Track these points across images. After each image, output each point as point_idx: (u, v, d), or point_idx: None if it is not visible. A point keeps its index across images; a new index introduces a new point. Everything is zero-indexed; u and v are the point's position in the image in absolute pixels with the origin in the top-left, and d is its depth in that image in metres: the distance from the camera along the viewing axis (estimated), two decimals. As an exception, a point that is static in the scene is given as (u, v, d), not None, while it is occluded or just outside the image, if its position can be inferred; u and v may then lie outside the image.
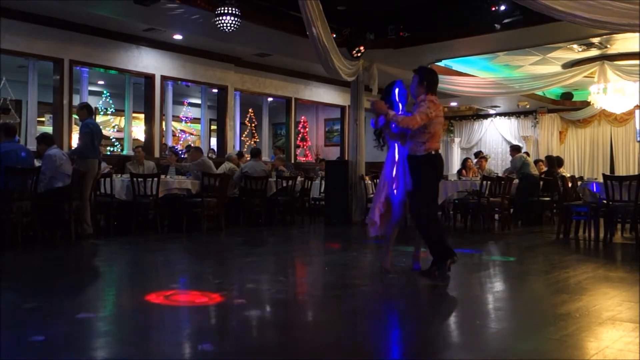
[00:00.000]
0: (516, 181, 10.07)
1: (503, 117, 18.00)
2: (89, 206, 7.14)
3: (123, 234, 7.64)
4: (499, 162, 17.09)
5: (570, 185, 8.25)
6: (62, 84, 9.50)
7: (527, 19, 8.71)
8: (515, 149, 11.05)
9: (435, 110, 4.55)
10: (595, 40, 10.33)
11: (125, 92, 11.04)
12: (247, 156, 10.86)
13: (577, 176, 11.77)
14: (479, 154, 12.97)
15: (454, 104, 16.96)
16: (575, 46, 10.94)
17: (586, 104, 14.50)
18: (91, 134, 7.22)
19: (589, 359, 2.69)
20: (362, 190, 10.40)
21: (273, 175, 9.98)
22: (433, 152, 4.61)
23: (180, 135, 15.82)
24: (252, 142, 15.35)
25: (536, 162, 12.41)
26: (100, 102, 13.72)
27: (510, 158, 11.36)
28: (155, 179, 7.84)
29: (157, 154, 10.70)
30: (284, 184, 9.81)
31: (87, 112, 7.46)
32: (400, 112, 4.74)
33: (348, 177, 10.01)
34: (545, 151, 15.85)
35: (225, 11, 8.26)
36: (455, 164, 17.68)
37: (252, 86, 12.62)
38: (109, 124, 14.62)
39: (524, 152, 11.40)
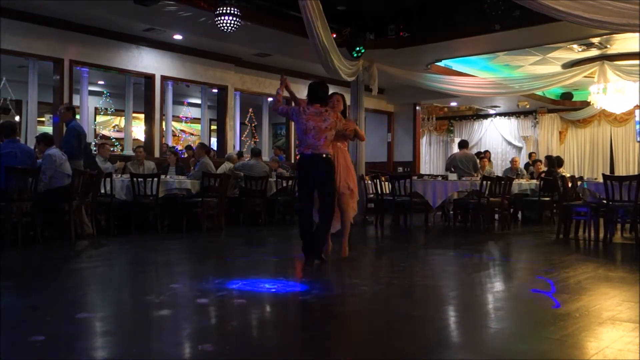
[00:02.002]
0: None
1: (503, 117, 18.00)
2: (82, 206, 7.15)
3: (123, 234, 7.64)
4: (498, 162, 17.11)
5: (570, 185, 8.25)
6: (62, 84, 9.50)
7: (527, 19, 8.71)
8: (462, 145, 10.71)
9: (298, 117, 5.23)
10: (595, 40, 10.33)
11: (125, 92, 11.04)
12: (247, 156, 10.85)
13: (577, 176, 11.78)
14: (480, 154, 12.98)
15: (454, 104, 16.97)
16: (575, 46, 10.94)
17: (586, 104, 14.50)
18: (78, 136, 7.32)
19: (589, 359, 2.69)
20: (362, 190, 10.39)
21: (273, 176, 9.99)
22: (298, 156, 5.39)
23: (180, 135, 15.83)
24: (252, 142, 15.34)
25: (535, 162, 12.44)
26: (100, 102, 13.71)
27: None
28: (155, 179, 7.85)
29: (157, 154, 10.69)
30: (284, 184, 9.81)
31: (71, 114, 7.59)
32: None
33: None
34: (545, 151, 15.86)
35: (225, 11, 8.26)
36: (455, 164, 17.67)
37: (252, 86, 12.62)
38: (109, 124, 14.63)
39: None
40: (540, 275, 5.01)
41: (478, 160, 12.28)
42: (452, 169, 10.02)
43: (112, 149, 12.98)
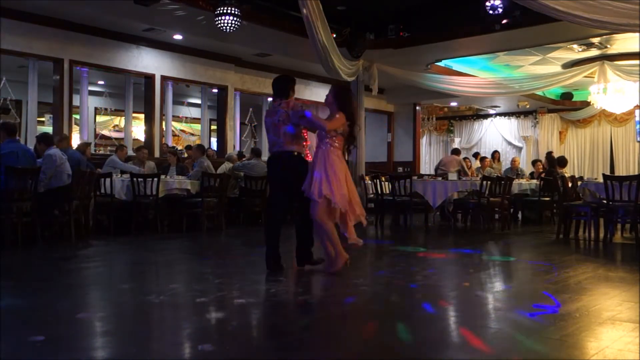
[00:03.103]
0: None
1: (503, 117, 18.00)
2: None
3: (123, 234, 7.64)
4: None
5: (570, 185, 8.24)
6: (62, 84, 9.49)
7: (527, 19, 8.71)
8: (452, 151, 11.43)
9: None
10: (595, 40, 10.32)
11: (125, 92, 11.04)
12: (247, 156, 10.84)
13: (577, 176, 11.77)
14: (477, 155, 13.06)
15: (454, 104, 16.97)
16: (575, 46, 10.93)
17: (586, 104, 14.50)
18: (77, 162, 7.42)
19: (589, 359, 2.69)
20: (362, 190, 10.41)
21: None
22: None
23: (180, 135, 15.83)
24: (253, 142, 15.34)
25: (534, 162, 12.46)
26: (101, 102, 13.70)
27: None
28: (155, 179, 7.85)
29: (157, 154, 10.69)
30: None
31: (66, 143, 7.75)
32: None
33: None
34: (546, 151, 15.84)
35: (225, 11, 8.27)
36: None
37: (252, 86, 12.62)
38: (109, 124, 14.62)
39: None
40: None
41: (477, 161, 12.38)
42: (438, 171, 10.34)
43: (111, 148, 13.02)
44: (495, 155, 13.26)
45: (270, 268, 4.84)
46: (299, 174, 4.83)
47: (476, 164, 12.92)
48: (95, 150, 12.42)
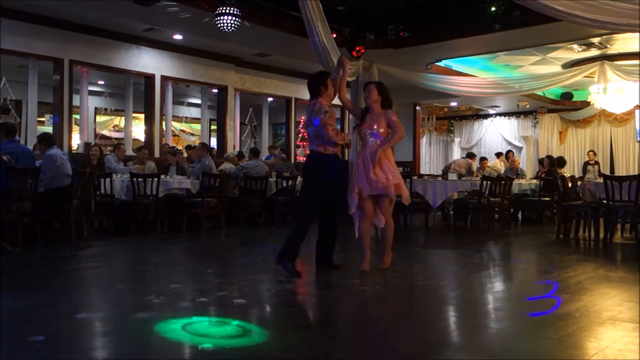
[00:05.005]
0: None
1: (503, 117, 18.01)
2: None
3: (123, 234, 7.64)
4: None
5: (570, 185, 8.24)
6: (62, 84, 9.50)
7: (527, 19, 8.71)
8: (467, 155, 11.56)
9: None
10: (595, 40, 10.32)
11: (125, 92, 11.04)
12: (247, 156, 10.84)
13: (577, 176, 11.78)
14: (502, 154, 13.09)
15: (454, 104, 16.98)
16: (575, 46, 10.94)
17: (586, 104, 14.51)
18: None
19: (589, 359, 2.69)
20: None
21: (273, 175, 9.99)
22: None
23: (180, 135, 15.82)
24: (253, 142, 15.35)
25: (542, 160, 12.45)
26: (101, 102, 13.71)
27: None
28: (155, 179, 7.85)
29: (157, 154, 10.70)
30: (284, 184, 9.81)
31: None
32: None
33: (348, 177, 9.99)
34: (546, 151, 15.86)
35: (225, 11, 8.27)
36: (455, 164, 17.68)
37: (252, 86, 12.62)
38: (109, 124, 14.62)
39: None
40: (541, 280, 5.00)
41: (477, 161, 12.40)
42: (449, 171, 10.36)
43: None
44: (509, 154, 13.11)
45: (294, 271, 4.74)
46: (308, 174, 5.04)
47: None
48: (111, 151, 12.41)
